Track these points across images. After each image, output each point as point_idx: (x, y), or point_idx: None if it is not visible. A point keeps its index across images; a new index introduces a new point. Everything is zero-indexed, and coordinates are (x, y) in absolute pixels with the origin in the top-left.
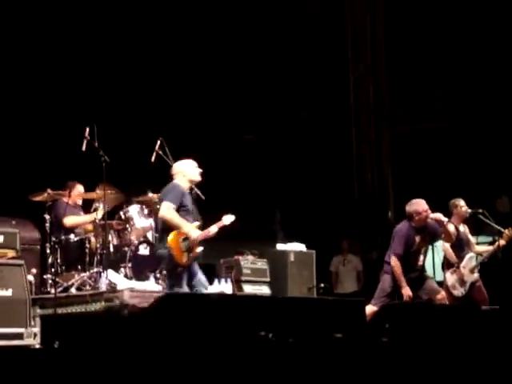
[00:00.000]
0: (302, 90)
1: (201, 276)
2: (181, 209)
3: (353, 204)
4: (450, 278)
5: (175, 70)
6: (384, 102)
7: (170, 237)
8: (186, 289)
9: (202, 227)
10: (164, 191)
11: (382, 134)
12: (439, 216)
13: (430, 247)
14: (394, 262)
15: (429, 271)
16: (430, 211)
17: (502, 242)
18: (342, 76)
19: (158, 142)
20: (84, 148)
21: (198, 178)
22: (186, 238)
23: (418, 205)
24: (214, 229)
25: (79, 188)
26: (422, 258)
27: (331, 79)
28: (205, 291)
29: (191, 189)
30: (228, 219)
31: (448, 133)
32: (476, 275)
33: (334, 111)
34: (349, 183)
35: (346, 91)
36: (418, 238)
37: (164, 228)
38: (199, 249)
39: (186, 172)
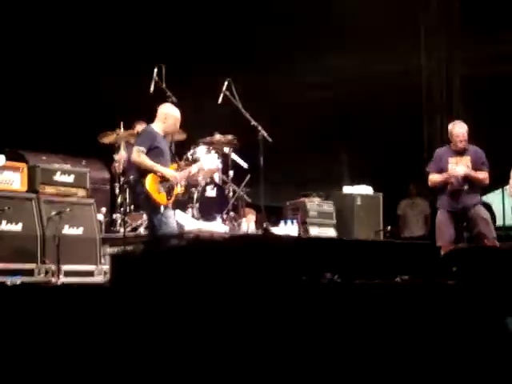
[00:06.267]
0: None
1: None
2: (151, 152)
3: (422, 147)
4: None
5: (244, 10)
6: (458, 34)
7: (148, 180)
8: (174, 226)
9: None
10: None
11: (453, 78)
12: (471, 173)
13: (500, 191)
14: (429, 179)
15: (498, 215)
16: (463, 137)
17: None
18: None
19: (226, 83)
20: (152, 88)
21: (173, 131)
22: (164, 180)
23: (454, 127)
24: (194, 168)
25: (139, 127)
26: (460, 181)
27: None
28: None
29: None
30: (208, 162)
31: None
32: None
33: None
34: (418, 126)
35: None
36: (452, 160)
37: (139, 171)
38: (179, 189)
39: (167, 120)
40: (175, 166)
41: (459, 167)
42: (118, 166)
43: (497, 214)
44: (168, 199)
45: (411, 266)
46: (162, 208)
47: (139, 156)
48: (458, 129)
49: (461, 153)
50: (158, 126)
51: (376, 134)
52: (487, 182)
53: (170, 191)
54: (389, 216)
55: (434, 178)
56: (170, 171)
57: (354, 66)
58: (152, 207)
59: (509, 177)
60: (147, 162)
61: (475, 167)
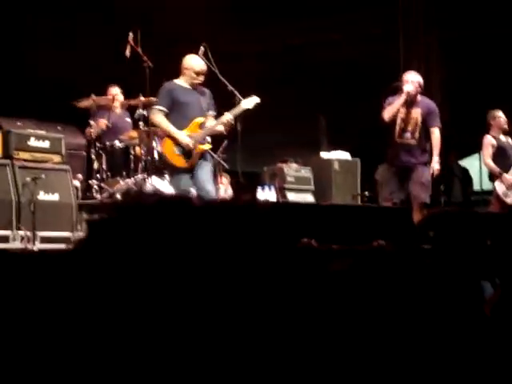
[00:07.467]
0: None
1: (204, 180)
2: (174, 107)
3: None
4: (500, 186)
5: None
6: (434, 5)
7: (165, 141)
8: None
9: None
10: None
11: (431, 40)
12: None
13: (477, 156)
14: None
15: (475, 179)
16: (411, 83)
17: None
18: None
19: (202, 48)
20: (128, 53)
21: (196, 82)
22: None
23: (405, 74)
24: (228, 116)
25: (112, 90)
26: (408, 135)
27: None
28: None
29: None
30: (249, 103)
31: (500, 39)
32: None
33: (382, 14)
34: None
35: None
36: (402, 109)
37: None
38: (204, 146)
39: (186, 71)
40: (202, 119)
41: (406, 85)
42: (94, 131)
43: (474, 178)
44: (186, 161)
45: (388, 231)
46: (177, 171)
47: (155, 117)
48: (409, 75)
49: (411, 104)
50: (180, 80)
51: (355, 98)
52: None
53: (187, 153)
54: (367, 181)
55: (387, 108)
56: (183, 137)
57: (332, 30)
58: (168, 169)
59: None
60: (162, 124)
61: (426, 122)
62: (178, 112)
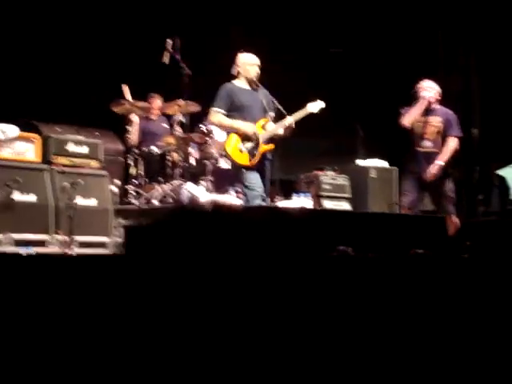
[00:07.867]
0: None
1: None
2: (236, 109)
3: None
4: None
5: None
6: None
7: (227, 141)
8: (260, 189)
9: None
10: None
11: (472, 49)
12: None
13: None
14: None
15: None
16: (426, 91)
17: None
18: None
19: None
20: (167, 60)
21: (252, 76)
22: (246, 139)
23: (424, 82)
24: (290, 119)
25: (158, 102)
26: (428, 143)
27: None
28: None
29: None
30: (313, 107)
31: None
32: None
33: (421, 20)
34: None
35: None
36: (421, 118)
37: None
38: (267, 147)
39: (241, 69)
40: (265, 120)
41: (425, 92)
42: (132, 138)
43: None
44: (250, 159)
45: (425, 240)
46: (243, 171)
47: (213, 117)
48: (425, 83)
49: (429, 112)
50: (237, 81)
51: (393, 107)
52: (457, 147)
53: (252, 150)
54: None
55: (406, 115)
56: (248, 126)
57: (371, 39)
58: (235, 170)
59: None
60: (224, 121)
61: (445, 132)
62: (240, 113)
